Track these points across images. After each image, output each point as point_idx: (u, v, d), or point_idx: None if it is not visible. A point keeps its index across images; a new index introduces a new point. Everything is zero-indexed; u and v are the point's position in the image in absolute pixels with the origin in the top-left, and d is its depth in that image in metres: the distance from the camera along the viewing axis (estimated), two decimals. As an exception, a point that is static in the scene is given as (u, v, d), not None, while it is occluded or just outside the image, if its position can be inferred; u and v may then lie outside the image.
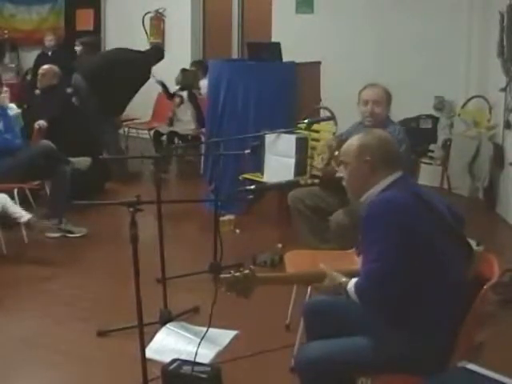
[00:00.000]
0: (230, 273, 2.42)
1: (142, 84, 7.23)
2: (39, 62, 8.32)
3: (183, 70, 7.64)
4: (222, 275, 2.43)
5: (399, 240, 2.30)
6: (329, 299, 2.65)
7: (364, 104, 4.05)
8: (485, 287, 2.32)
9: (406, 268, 2.31)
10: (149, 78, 7.29)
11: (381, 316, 2.42)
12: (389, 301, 2.35)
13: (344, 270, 2.57)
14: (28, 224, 4.78)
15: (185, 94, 7.56)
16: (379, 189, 2.48)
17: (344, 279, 2.46)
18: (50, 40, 9.29)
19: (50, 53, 9.23)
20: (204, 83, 7.31)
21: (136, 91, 7.24)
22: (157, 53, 7.51)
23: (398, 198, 2.36)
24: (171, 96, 7.61)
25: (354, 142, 2.58)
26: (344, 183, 2.65)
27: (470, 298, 2.32)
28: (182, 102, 7.52)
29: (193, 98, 7.53)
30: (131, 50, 7.32)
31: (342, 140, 3.92)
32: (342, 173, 2.65)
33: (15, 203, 4.99)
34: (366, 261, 2.38)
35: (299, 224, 4.35)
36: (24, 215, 4.77)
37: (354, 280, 2.42)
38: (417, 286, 2.34)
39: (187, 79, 7.56)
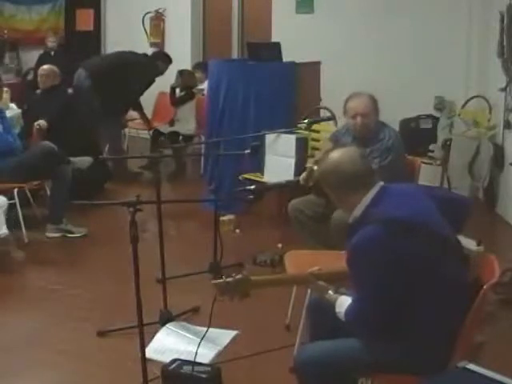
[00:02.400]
0: (222, 278, 2.43)
1: (147, 88, 7.25)
2: (42, 62, 8.32)
3: (180, 72, 7.62)
4: (213, 281, 2.45)
5: (385, 276, 2.31)
6: None
7: (352, 117, 3.97)
8: (485, 287, 2.32)
9: (398, 294, 2.32)
10: (153, 82, 7.30)
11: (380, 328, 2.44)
12: (378, 326, 2.38)
13: (336, 271, 2.61)
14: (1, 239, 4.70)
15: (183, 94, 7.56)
16: (360, 211, 2.46)
17: (330, 293, 2.51)
18: (52, 41, 9.34)
19: (52, 53, 9.24)
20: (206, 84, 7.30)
21: (140, 94, 7.28)
22: (164, 58, 7.45)
23: (373, 236, 2.32)
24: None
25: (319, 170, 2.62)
26: None
27: (471, 298, 2.32)
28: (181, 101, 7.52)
29: (191, 97, 7.51)
30: (139, 54, 7.32)
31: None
32: None
33: (16, 203, 5.00)
34: (354, 297, 2.40)
35: (302, 233, 4.33)
36: (3, 230, 4.68)
37: (343, 302, 2.44)
38: (413, 298, 2.34)
39: (185, 80, 7.54)
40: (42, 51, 9.42)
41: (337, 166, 2.49)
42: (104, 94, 6.70)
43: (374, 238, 2.32)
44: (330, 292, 2.52)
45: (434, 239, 2.35)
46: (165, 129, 7.53)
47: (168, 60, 7.41)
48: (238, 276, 2.44)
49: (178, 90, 7.57)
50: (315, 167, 3.97)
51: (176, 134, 7.38)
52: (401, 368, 2.37)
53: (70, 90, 6.85)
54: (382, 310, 2.34)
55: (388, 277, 2.30)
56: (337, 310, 2.46)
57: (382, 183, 2.51)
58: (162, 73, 7.37)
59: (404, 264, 2.29)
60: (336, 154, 2.55)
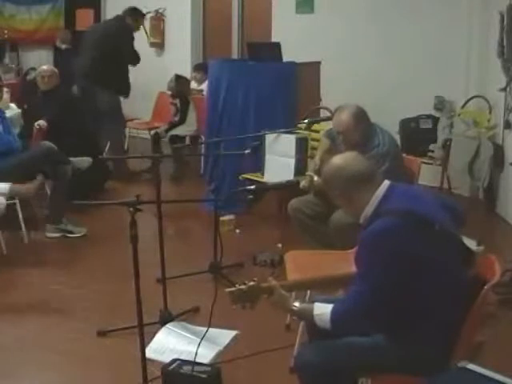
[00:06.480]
0: (235, 286, 2.44)
1: (133, 47, 7.08)
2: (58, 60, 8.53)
3: (177, 78, 7.57)
4: (227, 289, 2.46)
5: (394, 268, 2.29)
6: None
7: (336, 133, 4.04)
8: (485, 287, 2.32)
9: (402, 290, 2.31)
10: (133, 38, 7.08)
11: (380, 327, 2.44)
12: (380, 322, 2.37)
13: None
14: None
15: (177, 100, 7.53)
16: (372, 209, 2.45)
17: (297, 305, 2.47)
18: (63, 40, 9.46)
19: (64, 52, 9.34)
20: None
21: (134, 55, 7.13)
22: (133, 12, 7.15)
23: (389, 227, 2.32)
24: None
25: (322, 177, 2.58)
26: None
27: (471, 298, 2.32)
28: (177, 110, 7.48)
29: (185, 105, 7.48)
30: (108, 21, 7.29)
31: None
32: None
33: (16, 203, 5.00)
34: (354, 289, 2.37)
35: (302, 232, 4.34)
36: None
37: (323, 305, 2.41)
38: (416, 296, 2.34)
39: (181, 86, 7.51)
40: (46, 51, 9.51)
41: (344, 166, 2.51)
42: (105, 80, 6.70)
43: (391, 228, 2.32)
44: (296, 303, 2.48)
45: (444, 236, 2.36)
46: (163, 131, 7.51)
47: (138, 13, 7.15)
48: (251, 283, 2.46)
49: (178, 101, 7.51)
50: (315, 177, 4.00)
51: (176, 135, 7.38)
52: (401, 368, 2.37)
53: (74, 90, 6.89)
54: (381, 305, 2.32)
55: (397, 269, 2.29)
56: (316, 312, 2.40)
57: (389, 182, 2.51)
58: (136, 27, 7.18)
59: (415, 258, 2.29)
60: (339, 157, 2.59)
